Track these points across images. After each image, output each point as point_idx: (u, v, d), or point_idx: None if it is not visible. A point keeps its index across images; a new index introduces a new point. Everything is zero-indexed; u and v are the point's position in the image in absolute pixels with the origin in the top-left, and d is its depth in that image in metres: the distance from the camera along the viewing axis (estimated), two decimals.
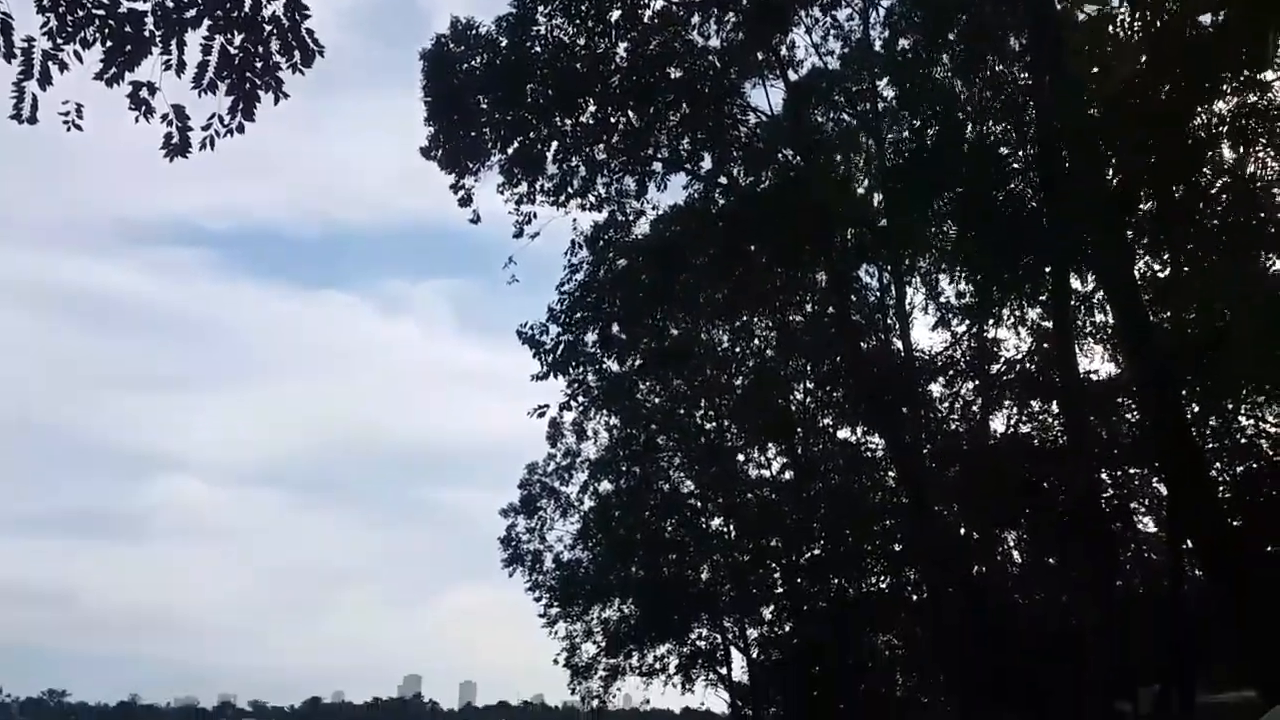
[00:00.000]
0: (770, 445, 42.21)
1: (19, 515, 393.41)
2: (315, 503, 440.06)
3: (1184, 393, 18.03)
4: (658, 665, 46.36)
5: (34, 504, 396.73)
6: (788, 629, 40.62)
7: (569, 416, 41.50)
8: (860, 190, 27.18)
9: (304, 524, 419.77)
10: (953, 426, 28.32)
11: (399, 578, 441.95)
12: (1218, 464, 19.78)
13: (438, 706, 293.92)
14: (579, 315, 26.30)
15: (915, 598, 32.55)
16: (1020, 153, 20.88)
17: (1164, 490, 22.65)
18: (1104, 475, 24.05)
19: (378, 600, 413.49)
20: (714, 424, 43.46)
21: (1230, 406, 19.86)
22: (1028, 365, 26.03)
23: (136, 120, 8.30)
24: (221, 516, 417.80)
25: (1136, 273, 19.40)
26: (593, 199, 24.50)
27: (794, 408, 40.01)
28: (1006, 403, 26.79)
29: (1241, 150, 17.26)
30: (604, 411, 38.98)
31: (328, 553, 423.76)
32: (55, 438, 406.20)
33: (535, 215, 24.12)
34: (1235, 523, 17.56)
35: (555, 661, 47.05)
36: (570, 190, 23.93)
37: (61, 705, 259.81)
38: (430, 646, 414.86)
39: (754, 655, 43.83)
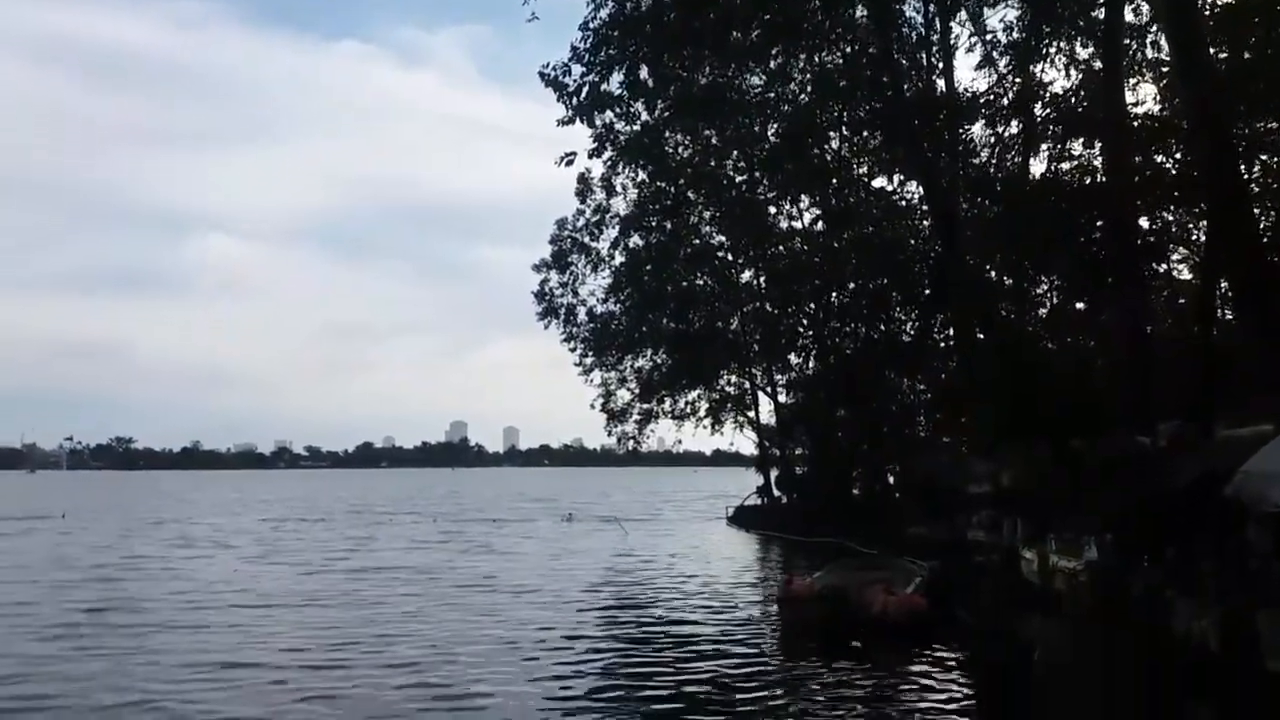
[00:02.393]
0: (803, 196, 41.67)
1: (64, 273, 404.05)
2: (352, 259, 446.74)
3: (1234, 129, 17.30)
4: (688, 409, 48.37)
5: (77, 262, 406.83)
6: (813, 373, 41.59)
7: (597, 171, 40.97)
8: None
9: (342, 279, 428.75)
10: (991, 170, 27.65)
11: (440, 331, 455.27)
12: (1261, 205, 19.25)
13: (483, 450, 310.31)
14: (604, 54, 25.19)
15: (943, 343, 32.94)
16: None
17: (1201, 235, 22.24)
18: (1142, 220, 23.59)
19: (421, 352, 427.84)
20: (745, 176, 42.77)
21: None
22: (1073, 102, 25.01)
23: None
24: (262, 273, 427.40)
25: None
26: None
27: (829, 156, 39.15)
28: (1047, 145, 25.97)
29: None
30: (633, 166, 38.36)
31: (369, 308, 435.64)
32: (84, 196, 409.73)
33: None
34: (1274, 259, 17.25)
35: (592, 407, 49.29)
36: None
37: (129, 451, 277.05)
38: (474, 395, 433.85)
39: (780, 399, 45.28)
